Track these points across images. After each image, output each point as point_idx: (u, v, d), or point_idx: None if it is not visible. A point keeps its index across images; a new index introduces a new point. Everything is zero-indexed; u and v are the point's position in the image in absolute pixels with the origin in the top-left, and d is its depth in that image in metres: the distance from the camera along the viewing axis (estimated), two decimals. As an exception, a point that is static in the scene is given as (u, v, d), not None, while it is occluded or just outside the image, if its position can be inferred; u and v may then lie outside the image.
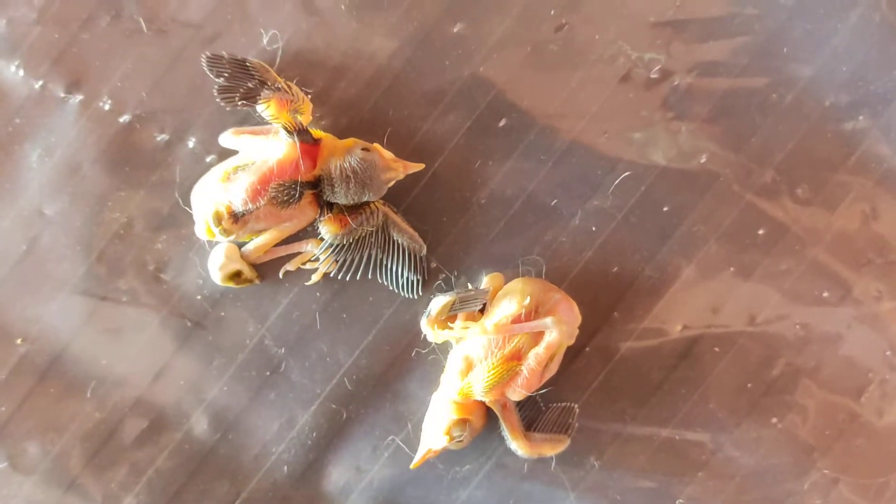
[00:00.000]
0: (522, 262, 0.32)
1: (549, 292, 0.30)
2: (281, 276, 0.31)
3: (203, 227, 0.30)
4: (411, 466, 0.30)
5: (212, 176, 0.30)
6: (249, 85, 0.29)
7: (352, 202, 0.29)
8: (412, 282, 0.31)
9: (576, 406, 0.31)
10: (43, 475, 0.32)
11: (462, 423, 0.30)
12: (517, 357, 0.29)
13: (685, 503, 0.32)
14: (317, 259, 0.31)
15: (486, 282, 0.31)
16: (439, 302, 0.30)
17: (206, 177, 0.30)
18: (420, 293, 0.31)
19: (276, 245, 0.31)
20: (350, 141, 0.30)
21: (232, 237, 0.30)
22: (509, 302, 0.30)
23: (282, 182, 0.29)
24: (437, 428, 0.30)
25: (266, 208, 0.29)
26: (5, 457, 0.32)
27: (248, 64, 0.30)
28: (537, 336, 0.29)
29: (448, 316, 0.30)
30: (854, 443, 0.32)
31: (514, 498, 0.32)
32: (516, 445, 0.30)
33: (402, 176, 0.30)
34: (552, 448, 0.30)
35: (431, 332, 0.30)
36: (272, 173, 0.29)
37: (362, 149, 0.29)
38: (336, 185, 0.29)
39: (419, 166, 0.30)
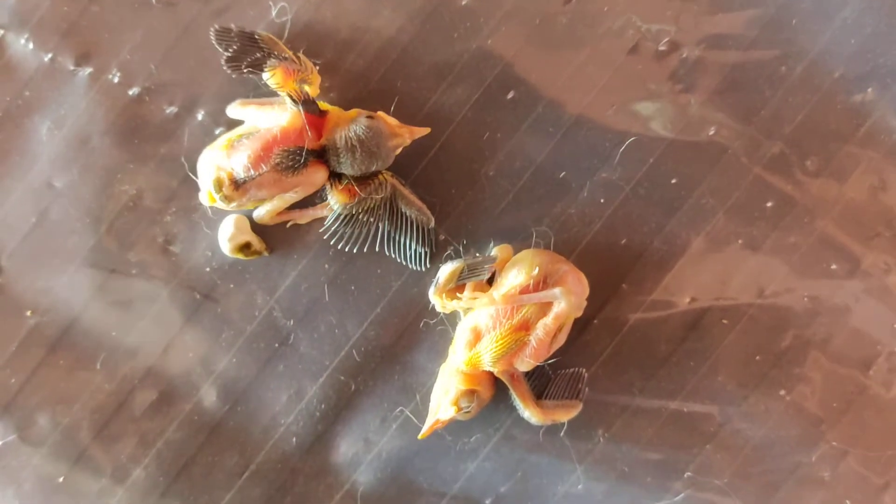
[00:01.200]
0: (533, 234, 0.32)
1: (557, 263, 0.30)
2: (288, 226, 0.31)
3: (205, 194, 0.30)
4: (419, 437, 0.30)
5: (217, 144, 0.30)
6: (256, 56, 0.29)
7: (360, 172, 0.30)
8: (420, 254, 0.32)
9: (584, 371, 0.31)
10: (52, 447, 0.32)
11: (470, 393, 0.30)
12: (525, 327, 0.30)
13: (693, 475, 0.32)
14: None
15: (494, 253, 0.31)
16: (447, 269, 0.30)
17: (211, 144, 0.30)
18: (428, 265, 0.32)
19: (290, 208, 0.31)
20: (354, 111, 0.30)
21: (233, 204, 0.30)
22: (518, 272, 0.30)
23: (286, 148, 0.29)
24: (445, 398, 0.30)
25: (269, 175, 0.29)
26: (14, 428, 0.32)
27: (256, 36, 0.30)
28: (546, 307, 0.30)
29: (456, 286, 0.31)
30: (862, 415, 0.32)
31: (521, 469, 0.32)
32: (529, 413, 0.30)
33: (408, 141, 0.30)
34: (566, 413, 0.31)
35: (439, 302, 0.31)
36: (276, 140, 0.29)
37: (366, 117, 0.29)
38: (342, 155, 0.29)
39: (425, 130, 0.30)
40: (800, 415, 0.32)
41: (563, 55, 0.32)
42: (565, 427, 0.32)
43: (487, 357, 0.30)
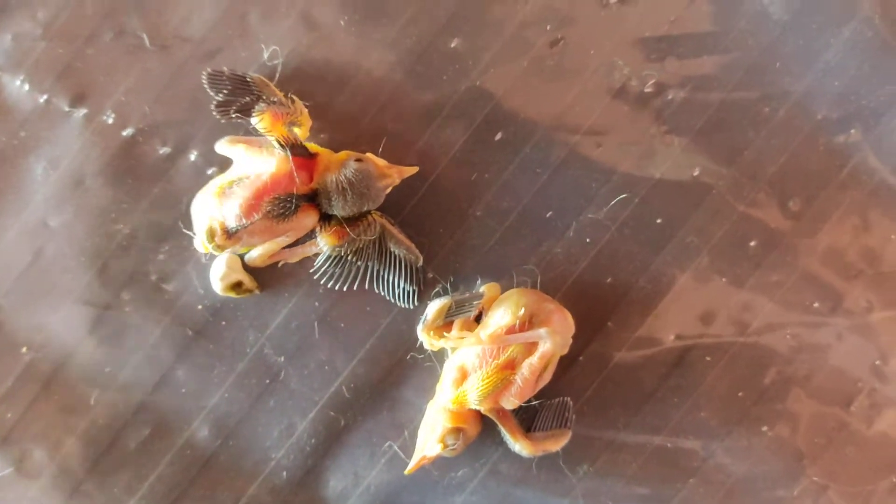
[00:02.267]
0: (517, 273, 0.32)
1: (543, 303, 0.31)
2: (280, 266, 0.32)
3: (199, 241, 0.31)
4: (406, 472, 0.31)
5: (208, 190, 0.31)
6: (246, 99, 0.30)
7: (352, 213, 0.30)
8: (408, 292, 0.32)
9: (569, 399, 0.32)
10: (48, 480, 0.33)
11: (456, 431, 0.31)
12: (511, 366, 0.30)
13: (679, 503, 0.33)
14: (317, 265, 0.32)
15: (482, 290, 0.32)
16: (435, 306, 0.31)
17: (203, 191, 0.31)
18: (416, 303, 0.33)
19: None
20: (343, 154, 0.31)
21: (227, 251, 0.31)
22: (504, 312, 0.31)
23: (277, 196, 0.30)
24: (432, 435, 0.31)
25: (261, 222, 0.30)
26: (11, 462, 0.33)
27: (248, 79, 0.31)
28: (531, 346, 0.31)
29: (444, 323, 0.31)
30: (843, 451, 0.33)
31: (508, 503, 0.33)
32: (520, 447, 0.31)
33: (397, 181, 0.31)
34: (556, 443, 0.31)
35: (427, 340, 0.31)
36: (266, 188, 0.30)
37: (356, 160, 0.30)
38: (333, 198, 0.30)
39: (413, 170, 0.31)
40: (782, 450, 0.33)
41: (551, 97, 0.32)
42: (557, 457, 0.32)
43: (474, 396, 0.30)
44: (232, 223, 0.30)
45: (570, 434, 0.32)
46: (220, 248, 0.30)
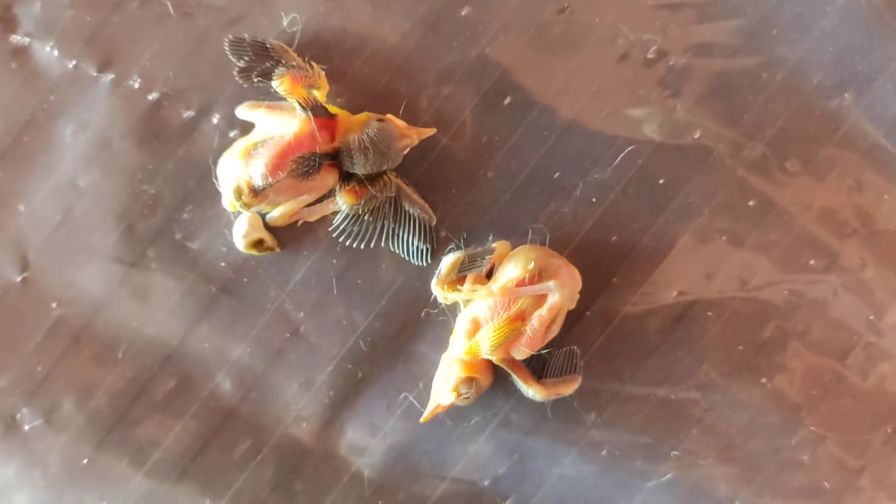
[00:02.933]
0: (529, 231, 0.34)
1: (551, 258, 0.33)
2: (299, 224, 0.33)
3: (227, 200, 0.32)
4: (420, 420, 0.33)
5: (233, 152, 0.32)
6: (266, 64, 0.32)
7: (371, 171, 0.32)
8: (422, 250, 0.34)
9: (575, 348, 0.33)
10: (77, 431, 0.34)
11: (469, 380, 0.32)
12: (521, 318, 0.32)
13: (680, 455, 0.34)
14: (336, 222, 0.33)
15: (493, 246, 0.33)
16: (448, 260, 0.33)
17: (228, 152, 0.33)
18: (429, 260, 0.34)
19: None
20: (364, 115, 0.32)
21: (253, 209, 0.32)
22: (514, 267, 0.32)
23: (302, 155, 0.31)
24: (445, 385, 0.32)
25: (286, 181, 0.31)
26: (41, 413, 0.34)
27: (267, 45, 0.32)
28: (541, 299, 0.32)
29: (457, 278, 0.33)
30: (839, 402, 0.35)
31: (518, 452, 0.34)
32: (533, 391, 0.33)
33: (416, 142, 0.32)
34: (568, 387, 0.33)
35: (441, 293, 0.33)
36: (290, 147, 0.31)
37: (377, 120, 0.32)
38: (355, 157, 0.32)
39: (430, 131, 0.33)
40: (780, 401, 0.35)
41: (557, 63, 0.34)
42: (567, 404, 0.34)
43: (486, 346, 0.32)
44: (258, 182, 0.31)
45: (580, 379, 0.33)
46: (247, 206, 0.32)
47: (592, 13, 0.34)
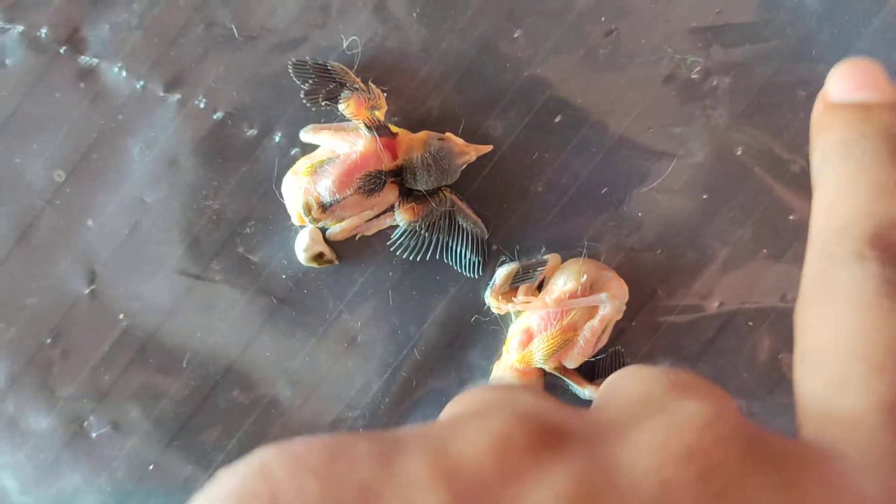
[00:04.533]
0: (577, 245, 0.36)
1: (601, 271, 0.34)
2: (357, 238, 0.35)
3: (296, 216, 0.34)
4: None
5: (299, 169, 0.34)
6: (330, 87, 0.33)
7: (432, 187, 0.34)
8: (474, 262, 0.36)
9: (620, 348, 0.35)
10: (142, 437, 0.36)
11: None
12: (573, 329, 0.34)
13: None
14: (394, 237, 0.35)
15: (546, 258, 0.35)
16: (503, 272, 0.35)
17: (293, 169, 0.34)
18: (481, 273, 0.36)
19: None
20: (423, 133, 0.34)
21: (320, 224, 0.34)
22: (566, 279, 0.34)
23: (368, 173, 0.33)
24: None
25: (352, 197, 0.33)
26: (108, 421, 0.36)
27: (329, 67, 0.34)
28: (591, 310, 0.34)
29: (509, 290, 0.35)
30: (874, 408, 0.36)
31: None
32: (589, 391, 0.34)
33: (474, 158, 0.34)
34: None
35: (495, 304, 0.35)
36: (356, 166, 0.33)
37: (438, 139, 0.34)
38: (418, 174, 0.33)
39: (487, 148, 0.35)
40: (818, 408, 0.36)
41: (605, 82, 0.36)
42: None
43: (539, 355, 0.34)
44: (326, 199, 0.33)
45: None
46: (316, 221, 0.33)
47: (639, 35, 0.36)
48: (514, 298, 0.35)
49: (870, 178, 0.24)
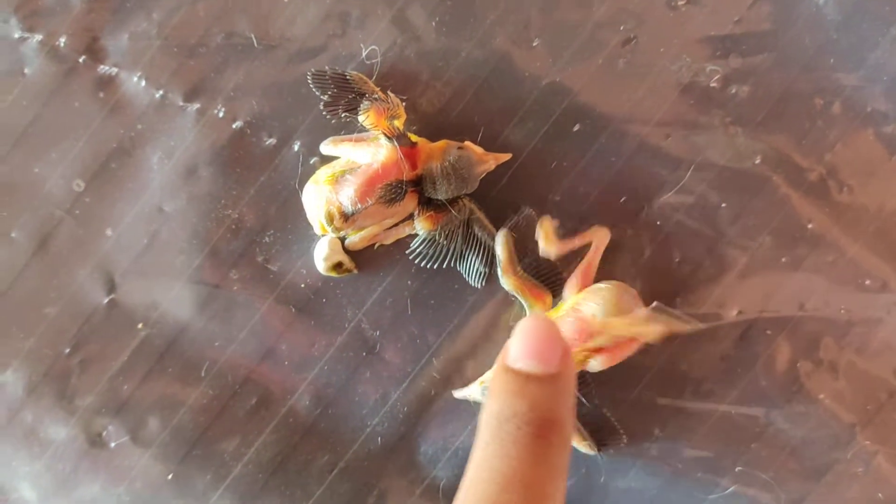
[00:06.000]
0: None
1: (634, 304, 0.34)
2: (376, 247, 0.36)
3: (317, 225, 0.34)
4: (455, 393, 0.35)
5: (320, 178, 0.34)
6: (350, 97, 0.34)
7: (452, 196, 0.34)
8: (481, 272, 0.36)
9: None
10: (161, 447, 0.36)
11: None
12: (598, 351, 0.34)
13: (742, 469, 0.36)
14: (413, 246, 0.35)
15: (525, 210, 0.35)
16: (499, 243, 0.35)
17: (314, 178, 0.35)
18: (483, 283, 0.36)
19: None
20: (443, 142, 0.35)
21: (342, 233, 0.34)
22: (597, 308, 0.34)
23: (389, 183, 0.33)
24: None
25: (373, 207, 0.33)
26: (127, 430, 0.36)
27: (347, 77, 0.35)
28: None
29: (530, 284, 0.35)
30: (892, 416, 0.37)
31: (585, 466, 0.37)
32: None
33: (493, 167, 0.34)
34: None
35: (508, 281, 0.35)
36: (377, 176, 0.33)
37: (457, 147, 0.34)
38: (438, 183, 0.34)
39: (507, 156, 0.35)
40: (836, 416, 0.37)
41: (624, 91, 0.36)
42: (634, 416, 0.36)
43: None
44: (348, 208, 0.33)
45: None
46: (338, 230, 0.34)
47: (657, 44, 0.36)
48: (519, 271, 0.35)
49: (503, 468, 0.27)
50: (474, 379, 0.36)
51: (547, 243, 0.35)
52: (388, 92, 0.35)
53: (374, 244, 0.36)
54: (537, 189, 0.36)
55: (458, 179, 0.34)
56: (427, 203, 0.35)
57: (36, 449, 0.36)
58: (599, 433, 0.36)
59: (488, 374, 0.35)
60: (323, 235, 0.35)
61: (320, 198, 0.34)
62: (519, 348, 0.29)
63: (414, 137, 0.34)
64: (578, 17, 0.36)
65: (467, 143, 0.35)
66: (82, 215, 0.36)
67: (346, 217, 0.33)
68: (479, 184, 0.35)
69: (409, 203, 0.34)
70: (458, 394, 0.36)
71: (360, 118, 0.34)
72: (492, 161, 0.34)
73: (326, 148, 0.35)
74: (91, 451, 0.36)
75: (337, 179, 0.34)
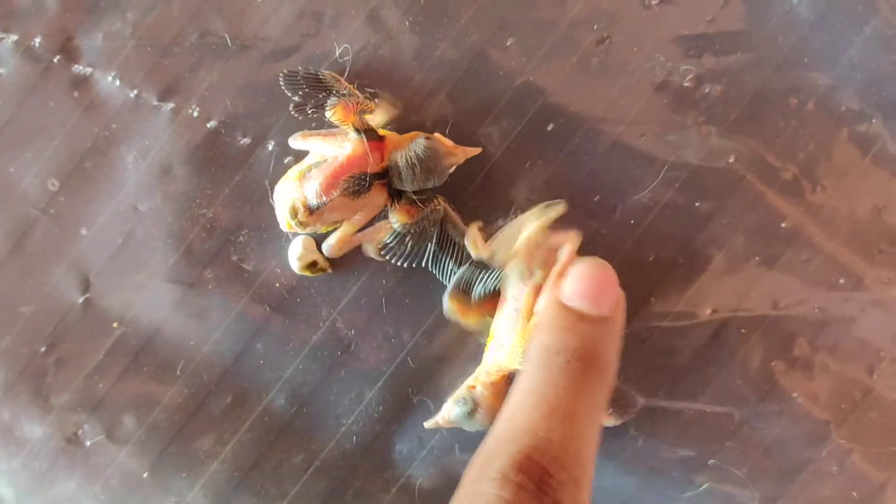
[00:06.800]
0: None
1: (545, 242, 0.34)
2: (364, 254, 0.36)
3: (283, 221, 0.34)
4: (426, 424, 0.35)
5: (289, 176, 0.35)
6: (319, 95, 0.34)
7: (418, 188, 0.34)
8: (453, 272, 0.36)
9: None
10: (136, 445, 0.37)
11: (469, 389, 0.34)
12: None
13: (716, 463, 0.37)
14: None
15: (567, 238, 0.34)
16: (468, 239, 0.35)
17: (284, 178, 0.35)
18: None
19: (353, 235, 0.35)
20: (412, 133, 0.35)
21: (308, 228, 0.34)
22: (520, 283, 0.33)
23: (353, 175, 0.33)
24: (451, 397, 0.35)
25: (339, 200, 0.33)
26: (102, 429, 0.37)
27: (320, 75, 0.35)
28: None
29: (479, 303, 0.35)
30: (867, 415, 0.37)
31: (560, 465, 0.37)
32: None
33: (462, 160, 0.35)
34: None
35: (450, 307, 0.35)
36: (342, 168, 0.33)
37: (425, 138, 0.34)
38: (403, 173, 0.34)
39: (476, 151, 0.35)
40: (810, 415, 0.37)
41: (598, 91, 0.36)
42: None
43: (504, 355, 0.33)
44: (313, 201, 0.33)
45: None
46: (303, 224, 0.34)
47: (631, 43, 0.36)
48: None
49: (549, 396, 0.28)
50: (447, 383, 0.36)
51: (475, 249, 0.35)
52: (354, 86, 0.35)
53: (352, 251, 0.36)
54: (511, 188, 0.37)
55: (423, 170, 0.34)
56: (398, 196, 0.35)
57: (12, 447, 0.37)
58: (614, 403, 0.36)
59: (469, 381, 0.35)
60: (290, 232, 0.35)
61: (287, 193, 0.34)
62: (576, 288, 0.30)
63: (383, 131, 0.35)
64: (552, 16, 0.36)
65: (437, 134, 0.35)
66: (57, 214, 0.36)
67: (311, 210, 0.34)
68: (449, 179, 0.35)
69: (378, 196, 0.34)
70: (429, 423, 0.35)
71: (328, 114, 0.34)
72: (461, 154, 0.35)
73: (295, 142, 0.35)
74: (67, 449, 0.37)
75: (304, 175, 0.34)
